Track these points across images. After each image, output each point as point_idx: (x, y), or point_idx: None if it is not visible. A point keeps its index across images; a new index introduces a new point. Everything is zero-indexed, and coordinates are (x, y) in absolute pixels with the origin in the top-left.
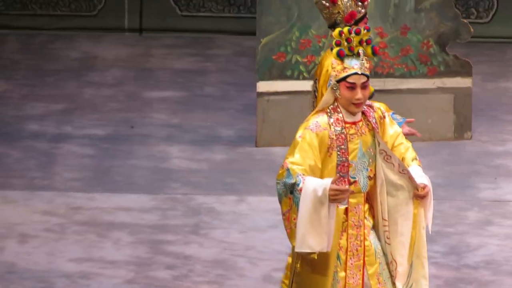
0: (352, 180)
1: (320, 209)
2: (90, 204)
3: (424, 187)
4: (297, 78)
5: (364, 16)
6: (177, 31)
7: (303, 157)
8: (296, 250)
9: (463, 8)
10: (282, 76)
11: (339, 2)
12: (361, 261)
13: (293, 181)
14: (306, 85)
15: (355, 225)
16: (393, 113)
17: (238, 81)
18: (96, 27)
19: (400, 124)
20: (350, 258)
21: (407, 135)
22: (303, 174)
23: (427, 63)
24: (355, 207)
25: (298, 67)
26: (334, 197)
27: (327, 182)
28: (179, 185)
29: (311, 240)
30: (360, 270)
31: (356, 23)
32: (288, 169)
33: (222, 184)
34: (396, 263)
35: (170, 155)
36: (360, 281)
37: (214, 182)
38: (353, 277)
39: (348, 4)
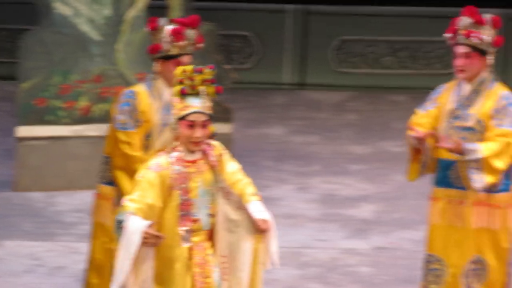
0: (194, 218)
1: (130, 248)
2: None
3: (265, 221)
4: (57, 124)
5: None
6: None
7: (142, 195)
8: (111, 286)
9: (225, 54)
10: (42, 121)
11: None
12: None
13: (121, 218)
14: (66, 130)
15: (199, 263)
16: None
17: None
18: None
19: None
20: None
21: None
22: (135, 213)
23: None
24: (198, 245)
25: (58, 112)
26: (146, 240)
27: (145, 225)
28: None
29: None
30: None
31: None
32: (123, 207)
33: None
34: None
35: None
36: None
37: None
38: None
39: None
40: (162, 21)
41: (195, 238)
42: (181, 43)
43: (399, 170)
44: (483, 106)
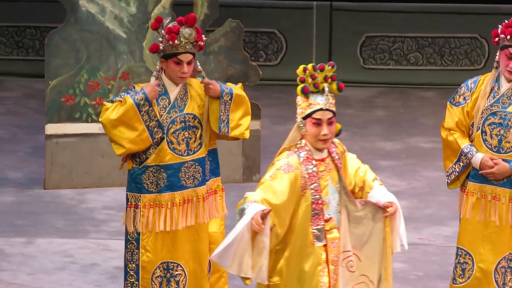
0: (327, 217)
1: (246, 234)
2: None
3: (391, 204)
4: (86, 121)
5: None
6: None
7: (265, 193)
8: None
9: (252, 51)
10: (71, 119)
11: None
12: None
13: (244, 206)
14: (94, 127)
15: (333, 260)
16: None
17: (27, 123)
18: None
19: None
20: None
21: None
22: (255, 201)
23: None
24: (332, 243)
25: (86, 109)
26: (253, 226)
27: (257, 210)
28: None
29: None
30: None
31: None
32: (245, 198)
33: (11, 226)
34: (367, 276)
35: None
36: None
37: (3, 224)
38: None
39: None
40: (165, 20)
41: (329, 236)
42: (176, 42)
43: (429, 166)
44: None
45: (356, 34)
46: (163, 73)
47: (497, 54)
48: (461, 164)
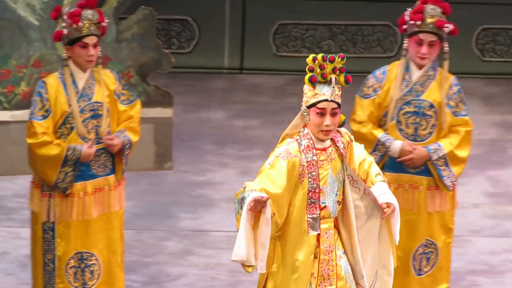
0: (322, 205)
1: (248, 223)
2: None
3: (388, 205)
4: None
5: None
6: None
7: (263, 183)
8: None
9: (164, 39)
10: None
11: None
12: (334, 286)
13: (244, 195)
14: (6, 115)
15: (326, 250)
16: None
17: None
18: None
19: None
20: (321, 283)
21: None
22: (255, 190)
23: None
24: (326, 233)
25: None
26: (250, 204)
27: (259, 194)
28: None
29: (237, 248)
30: None
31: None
32: (244, 187)
33: None
34: (363, 276)
35: None
36: None
37: None
38: None
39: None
40: (64, 8)
41: (323, 226)
42: (80, 24)
43: None
44: (436, 92)
45: (269, 22)
46: (70, 61)
47: (405, 41)
48: (378, 153)
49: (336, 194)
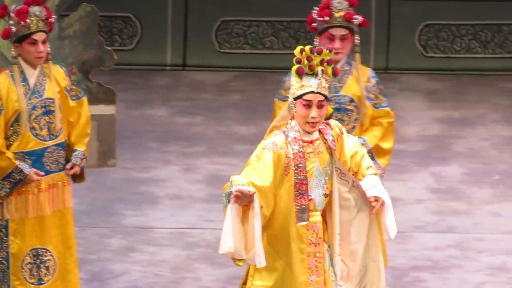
0: (310, 198)
1: (236, 217)
2: None
3: (377, 199)
4: None
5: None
6: None
7: (250, 177)
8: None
9: (107, 36)
10: None
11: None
12: (322, 277)
13: (231, 189)
14: None
15: (313, 243)
16: None
17: None
18: None
19: None
20: (310, 275)
21: None
22: (242, 184)
23: None
24: (313, 226)
25: None
26: (235, 198)
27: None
28: None
29: (223, 241)
30: (321, 286)
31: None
32: (231, 181)
33: None
34: (348, 268)
35: None
36: None
37: None
38: None
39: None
40: (11, 6)
41: (310, 219)
42: (28, 21)
43: None
44: (354, 86)
45: (211, 19)
46: (20, 59)
47: (316, 40)
48: None
49: (323, 187)
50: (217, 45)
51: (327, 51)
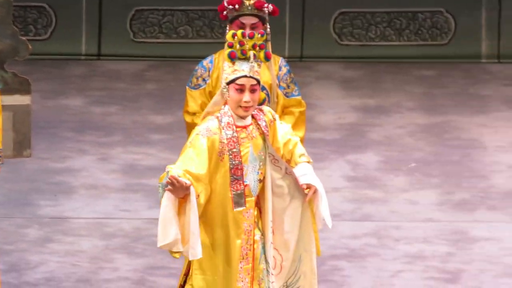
0: (245, 183)
1: (171, 207)
2: None
3: (309, 186)
4: None
5: None
6: None
7: (186, 165)
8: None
9: (21, 25)
10: None
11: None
12: (250, 265)
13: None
14: None
15: (246, 229)
16: None
17: None
18: None
19: None
20: (240, 262)
21: None
22: (179, 175)
23: None
24: (246, 212)
25: None
26: (168, 186)
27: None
28: None
29: (161, 234)
30: (249, 274)
31: None
32: (167, 171)
33: None
34: (281, 257)
35: None
36: (250, 285)
37: None
38: (242, 281)
39: None
40: None
41: (246, 204)
42: None
43: None
44: (266, 74)
45: (126, 8)
46: None
47: (227, 28)
48: None
49: (258, 172)
50: (131, 34)
51: (259, 35)
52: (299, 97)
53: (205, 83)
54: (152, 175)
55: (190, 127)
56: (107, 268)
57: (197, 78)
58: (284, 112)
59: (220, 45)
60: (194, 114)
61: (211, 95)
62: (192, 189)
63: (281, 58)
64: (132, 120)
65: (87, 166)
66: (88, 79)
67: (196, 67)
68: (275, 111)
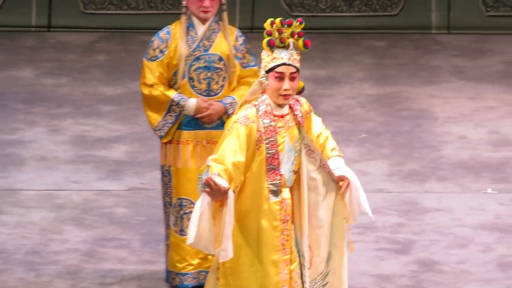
0: (281, 173)
1: (207, 210)
2: None
3: (343, 179)
4: None
5: None
6: None
7: (226, 155)
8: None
9: None
10: None
11: None
12: (288, 256)
13: (207, 175)
14: None
15: (282, 219)
16: None
17: None
18: None
19: None
20: (278, 253)
21: None
22: (219, 174)
23: None
24: (282, 202)
25: None
26: (206, 189)
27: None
28: None
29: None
30: (287, 265)
31: None
32: (208, 166)
33: None
34: (312, 253)
35: None
36: (288, 276)
37: None
38: (281, 272)
39: None
40: None
41: (282, 194)
42: None
43: None
44: (223, 45)
45: None
46: None
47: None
48: (173, 114)
49: (293, 163)
50: (82, 6)
51: (297, 23)
52: (255, 68)
53: (163, 54)
54: (102, 146)
55: (147, 98)
56: (57, 240)
57: (154, 50)
58: (240, 82)
59: (171, 16)
60: (151, 86)
61: (168, 66)
62: (230, 192)
63: (236, 29)
64: (82, 91)
65: (38, 137)
66: (38, 51)
67: (153, 39)
68: (232, 81)
